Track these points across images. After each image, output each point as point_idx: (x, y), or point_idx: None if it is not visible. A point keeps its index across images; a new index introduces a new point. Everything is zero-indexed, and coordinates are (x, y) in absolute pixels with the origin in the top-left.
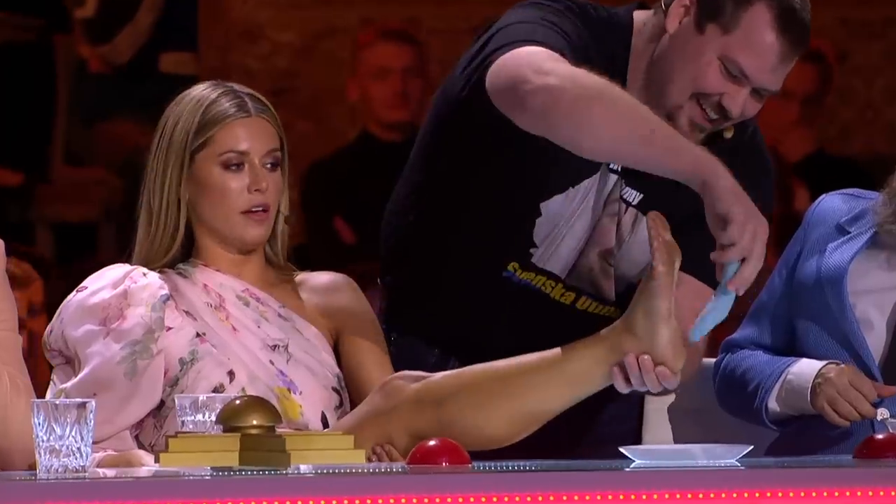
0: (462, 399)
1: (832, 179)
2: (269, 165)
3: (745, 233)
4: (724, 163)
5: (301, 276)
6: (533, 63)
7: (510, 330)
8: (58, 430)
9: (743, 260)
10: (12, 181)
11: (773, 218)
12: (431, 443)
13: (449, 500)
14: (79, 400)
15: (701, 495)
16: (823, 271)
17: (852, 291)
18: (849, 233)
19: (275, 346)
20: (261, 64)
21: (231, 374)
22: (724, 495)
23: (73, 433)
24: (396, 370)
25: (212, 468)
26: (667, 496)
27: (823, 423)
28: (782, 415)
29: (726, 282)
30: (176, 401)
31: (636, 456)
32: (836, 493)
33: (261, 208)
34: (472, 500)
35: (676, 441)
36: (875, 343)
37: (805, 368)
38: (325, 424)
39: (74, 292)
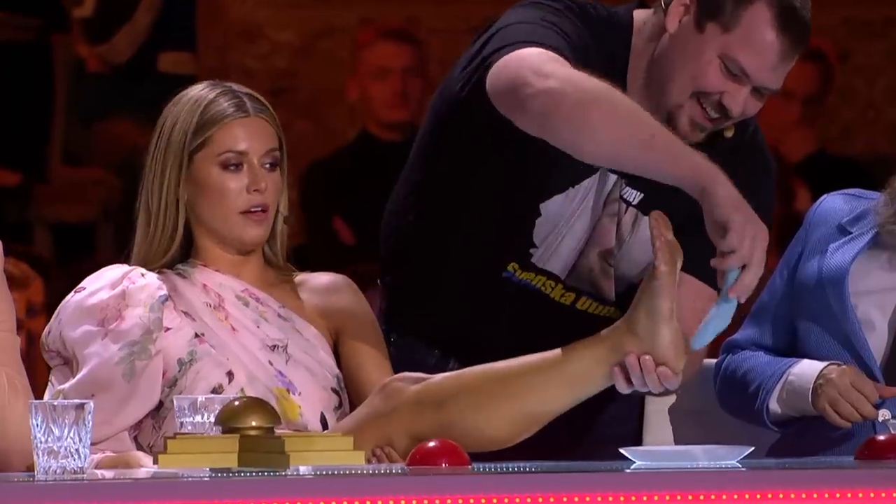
0: (462, 400)
1: (833, 180)
2: (267, 165)
3: (745, 240)
4: (725, 162)
5: (301, 277)
6: (534, 66)
7: (510, 330)
8: (56, 432)
9: (743, 267)
10: (10, 181)
11: (774, 218)
12: (431, 444)
13: (449, 501)
14: (77, 401)
15: (702, 497)
16: (825, 272)
17: (854, 292)
18: (850, 233)
19: (274, 346)
20: (259, 64)
21: (230, 374)
22: (724, 497)
23: (72, 434)
24: (396, 371)
25: (210, 469)
26: (667, 497)
27: (825, 424)
28: (783, 416)
29: (727, 289)
30: (175, 402)
31: (637, 457)
32: (838, 495)
33: (260, 208)
34: (471, 501)
35: (677, 442)
36: (876, 344)
37: (806, 369)
38: (325, 425)
39: (72, 293)
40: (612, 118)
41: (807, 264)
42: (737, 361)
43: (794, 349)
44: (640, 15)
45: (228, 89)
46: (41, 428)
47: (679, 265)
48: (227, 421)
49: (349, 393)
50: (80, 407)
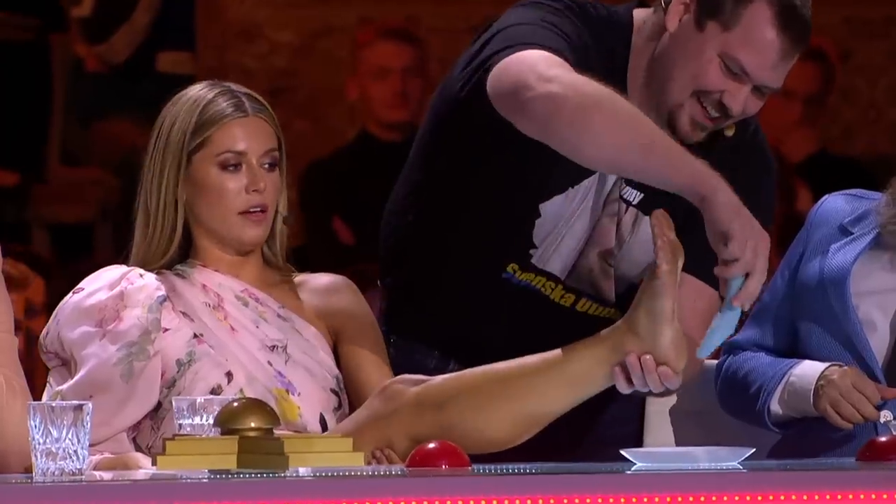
0: (462, 402)
1: (835, 180)
2: (266, 165)
3: (747, 248)
4: (726, 161)
5: (300, 278)
6: (535, 69)
7: (510, 331)
8: (54, 433)
9: (747, 275)
10: (8, 181)
11: (776, 219)
12: (431, 445)
13: (448, 502)
14: (75, 402)
15: (703, 498)
16: (826, 272)
17: (855, 293)
18: (852, 234)
19: (273, 346)
20: (258, 63)
21: (229, 375)
22: (725, 498)
23: (70, 436)
24: (396, 372)
25: (209, 471)
26: (668, 499)
27: (826, 425)
28: (784, 417)
29: (731, 298)
30: (173, 403)
31: (637, 458)
32: (839, 496)
33: (259, 209)
34: (471, 502)
35: (678, 443)
36: (878, 345)
37: (808, 370)
38: (324, 426)
39: (71, 294)
40: (612, 123)
41: (808, 265)
42: (738, 362)
43: (795, 350)
44: (640, 14)
45: (227, 89)
46: (39, 429)
47: (680, 265)
48: (226, 422)
49: (348, 394)
50: (79, 408)
